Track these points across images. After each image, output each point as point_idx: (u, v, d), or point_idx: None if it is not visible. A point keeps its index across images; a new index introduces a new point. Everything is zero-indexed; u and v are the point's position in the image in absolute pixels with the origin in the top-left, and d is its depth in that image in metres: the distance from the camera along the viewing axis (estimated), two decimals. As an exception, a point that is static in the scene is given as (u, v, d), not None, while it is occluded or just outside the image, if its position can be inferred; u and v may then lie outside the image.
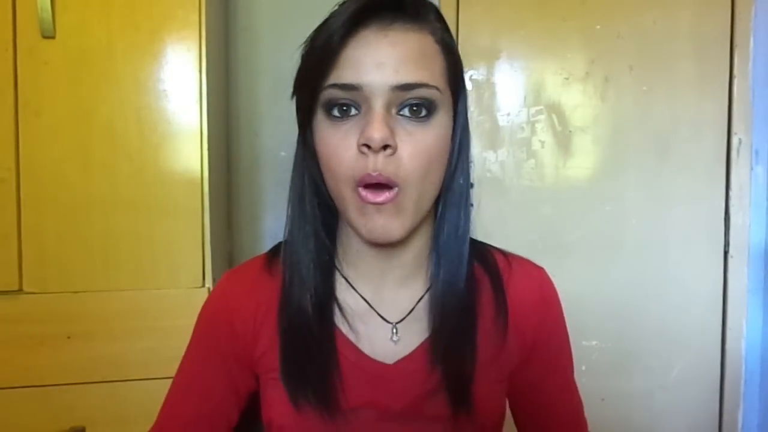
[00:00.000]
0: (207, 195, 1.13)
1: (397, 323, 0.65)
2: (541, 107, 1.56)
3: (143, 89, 1.10)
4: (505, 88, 1.56)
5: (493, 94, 1.56)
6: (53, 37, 1.06)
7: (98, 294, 1.10)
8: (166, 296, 1.11)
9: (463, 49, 1.53)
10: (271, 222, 1.56)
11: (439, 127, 0.57)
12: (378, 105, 0.54)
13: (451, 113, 0.59)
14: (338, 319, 0.64)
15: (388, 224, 0.56)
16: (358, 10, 0.53)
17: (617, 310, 1.56)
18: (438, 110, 0.57)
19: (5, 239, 1.07)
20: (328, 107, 0.56)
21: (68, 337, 1.08)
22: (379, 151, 0.54)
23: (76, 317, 1.09)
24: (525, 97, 1.56)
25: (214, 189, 1.18)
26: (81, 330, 1.09)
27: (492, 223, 1.57)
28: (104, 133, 1.09)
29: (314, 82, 0.56)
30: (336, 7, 0.57)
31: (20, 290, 1.08)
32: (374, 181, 0.55)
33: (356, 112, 0.56)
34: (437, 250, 0.63)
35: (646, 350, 1.57)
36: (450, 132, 0.59)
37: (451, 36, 0.60)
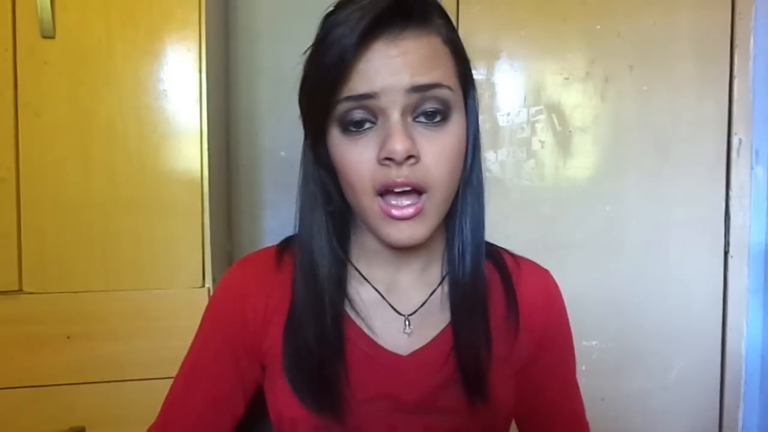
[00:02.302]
0: (207, 195, 1.12)
1: (409, 315, 0.65)
2: (541, 107, 1.56)
3: (143, 89, 1.10)
4: (505, 88, 1.56)
5: (493, 94, 1.56)
6: (53, 37, 1.06)
7: (98, 294, 1.10)
8: (166, 296, 1.11)
9: (463, 49, 1.54)
10: (271, 222, 1.55)
11: (456, 127, 0.57)
12: (395, 114, 0.53)
13: (464, 111, 0.60)
14: (352, 312, 0.64)
15: (414, 231, 0.57)
16: (369, 24, 0.51)
17: (617, 310, 1.56)
18: (453, 111, 0.57)
19: (5, 239, 1.07)
20: (344, 123, 0.56)
21: (68, 337, 1.08)
22: (403, 163, 0.54)
23: (76, 317, 1.09)
24: (525, 97, 1.56)
25: (214, 189, 1.18)
26: (81, 330, 1.09)
27: (492, 223, 1.54)
28: (104, 133, 1.09)
29: (327, 97, 0.55)
30: (331, 12, 0.56)
31: (20, 290, 1.08)
32: (399, 188, 0.55)
33: (371, 125, 0.55)
34: (460, 244, 0.64)
35: (646, 350, 1.57)
36: (465, 129, 0.60)
37: (456, 33, 0.60)
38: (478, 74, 1.56)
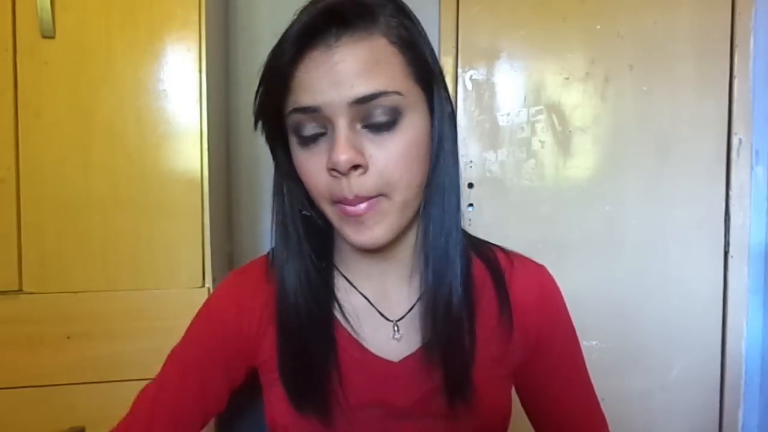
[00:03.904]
0: (207, 195, 1.12)
1: (397, 321, 0.65)
2: (541, 107, 1.56)
3: (143, 89, 1.10)
4: (505, 88, 1.56)
5: (493, 94, 1.56)
6: (53, 37, 1.06)
7: (98, 294, 1.10)
8: (166, 296, 1.11)
9: (463, 49, 1.55)
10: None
11: (409, 130, 0.55)
12: (341, 124, 0.53)
13: (425, 110, 0.58)
14: (342, 319, 0.64)
15: (373, 232, 0.56)
16: (301, 33, 0.51)
17: (617, 310, 1.56)
18: (405, 114, 0.55)
19: (5, 239, 1.06)
20: (298, 133, 0.56)
21: (68, 337, 1.08)
22: (349, 173, 0.53)
23: (76, 317, 1.09)
24: (525, 97, 1.56)
25: (214, 189, 1.18)
26: (81, 330, 1.09)
27: (492, 223, 1.57)
28: (104, 133, 1.09)
29: (276, 108, 0.56)
30: (290, 23, 0.55)
31: (20, 290, 1.08)
32: (354, 204, 0.55)
33: (324, 132, 0.55)
34: (424, 250, 0.62)
35: (646, 350, 1.57)
36: (426, 130, 0.58)
37: (410, 24, 0.57)
38: (478, 74, 1.56)
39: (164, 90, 1.10)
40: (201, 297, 1.12)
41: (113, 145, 1.09)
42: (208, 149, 1.13)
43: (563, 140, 1.56)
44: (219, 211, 1.29)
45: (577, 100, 1.56)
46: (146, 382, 1.04)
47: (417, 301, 0.65)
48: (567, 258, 1.56)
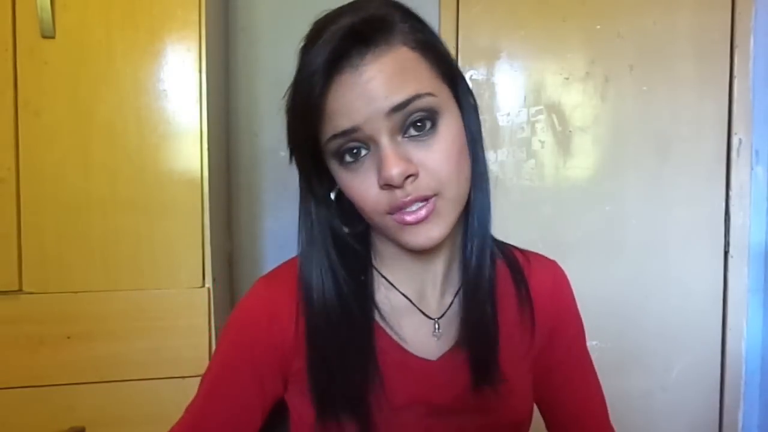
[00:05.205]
0: (207, 195, 1.13)
1: (438, 318, 0.65)
2: (541, 107, 1.56)
3: (143, 89, 1.10)
4: (505, 88, 1.56)
5: (493, 94, 1.56)
6: (53, 37, 1.06)
7: (98, 294, 1.10)
8: (166, 296, 1.11)
9: (463, 49, 1.55)
10: (271, 222, 1.55)
11: (449, 127, 0.56)
12: (383, 139, 0.53)
13: (456, 106, 0.58)
14: (382, 321, 0.64)
15: (430, 232, 0.56)
16: (328, 61, 0.52)
17: (617, 310, 1.56)
18: (442, 114, 0.56)
19: (5, 239, 1.07)
20: (339, 156, 0.56)
21: (68, 337, 1.08)
22: (403, 184, 0.54)
23: (76, 317, 1.09)
24: (525, 97, 1.56)
25: (214, 189, 1.18)
26: (81, 330, 1.09)
27: (492, 222, 1.57)
28: (104, 133, 1.09)
29: (313, 139, 0.57)
30: (302, 48, 0.56)
31: (20, 290, 1.08)
32: (409, 205, 0.55)
33: (366, 151, 0.55)
34: (471, 238, 0.64)
35: (646, 350, 1.57)
36: (461, 124, 0.59)
37: (421, 26, 0.58)
38: (478, 74, 1.56)
39: (164, 90, 1.10)
40: (201, 297, 1.12)
41: (113, 145, 1.09)
42: (208, 149, 1.13)
43: (563, 140, 1.56)
44: (219, 211, 1.29)
45: (577, 100, 1.56)
46: (146, 382, 1.04)
47: (455, 296, 0.66)
48: (567, 258, 1.55)
